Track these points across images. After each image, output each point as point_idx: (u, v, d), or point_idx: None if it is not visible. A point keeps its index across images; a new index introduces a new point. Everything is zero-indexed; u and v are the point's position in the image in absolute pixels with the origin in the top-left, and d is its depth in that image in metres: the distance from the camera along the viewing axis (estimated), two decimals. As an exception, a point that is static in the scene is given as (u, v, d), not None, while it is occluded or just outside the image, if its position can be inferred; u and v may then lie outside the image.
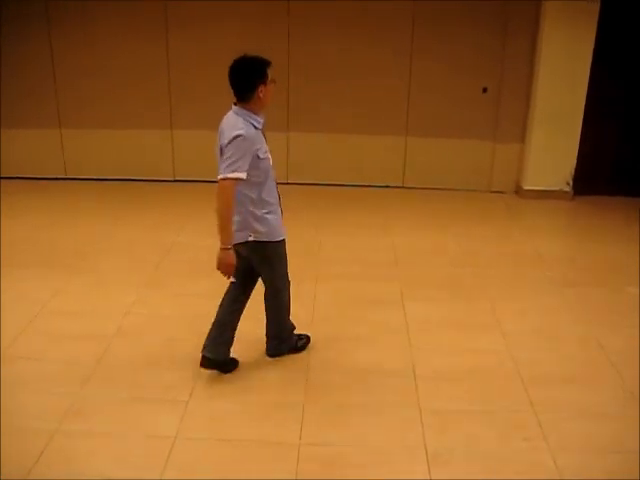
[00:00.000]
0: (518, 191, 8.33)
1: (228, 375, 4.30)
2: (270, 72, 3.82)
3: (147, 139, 8.51)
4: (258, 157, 3.83)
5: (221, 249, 3.86)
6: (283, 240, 4.14)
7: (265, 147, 3.92)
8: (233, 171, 3.73)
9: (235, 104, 3.86)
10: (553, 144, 7.91)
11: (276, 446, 3.65)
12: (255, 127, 3.82)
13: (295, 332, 4.59)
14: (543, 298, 5.46)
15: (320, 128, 8.33)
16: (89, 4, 7.96)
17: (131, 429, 3.78)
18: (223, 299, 4.35)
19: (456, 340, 4.80)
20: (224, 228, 3.83)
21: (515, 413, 3.95)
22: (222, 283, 5.57)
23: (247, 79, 3.78)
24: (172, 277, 5.81)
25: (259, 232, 4.00)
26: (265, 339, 4.53)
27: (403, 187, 8.48)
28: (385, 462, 3.53)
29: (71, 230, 6.87)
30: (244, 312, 4.35)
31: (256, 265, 4.20)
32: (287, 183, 8.45)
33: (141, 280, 5.68)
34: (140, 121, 8.42)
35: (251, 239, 3.99)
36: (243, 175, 3.75)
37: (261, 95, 3.80)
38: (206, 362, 4.24)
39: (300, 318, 5.03)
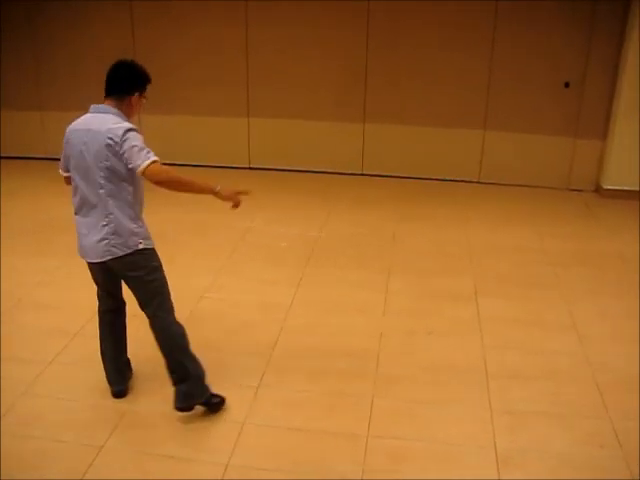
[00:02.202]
0: (598, 190, 8.11)
1: (299, 363, 4.32)
2: (148, 90, 3.64)
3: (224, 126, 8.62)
4: None
5: (216, 193, 3.67)
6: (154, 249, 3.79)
7: None
8: (150, 154, 3.45)
9: (104, 103, 3.58)
10: (637, 142, 7.65)
11: (344, 437, 3.64)
12: None
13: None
14: (623, 301, 5.27)
15: (397, 120, 8.26)
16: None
17: (200, 411, 3.81)
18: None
19: (530, 339, 4.69)
20: (199, 187, 3.65)
21: (590, 419, 3.83)
22: (298, 270, 5.65)
23: (134, 79, 3.58)
24: (247, 263, 5.86)
25: (141, 236, 3.67)
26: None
27: (479, 182, 8.35)
28: (454, 460, 3.49)
29: (147, 214, 6.97)
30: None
31: (131, 279, 3.75)
32: (362, 174, 8.47)
33: (216, 265, 5.74)
34: (226, 109, 8.53)
35: (142, 246, 3.65)
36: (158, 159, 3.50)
37: (133, 102, 3.58)
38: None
39: (372, 309, 5.03)
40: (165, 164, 3.83)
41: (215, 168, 8.53)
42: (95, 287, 3.94)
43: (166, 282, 3.80)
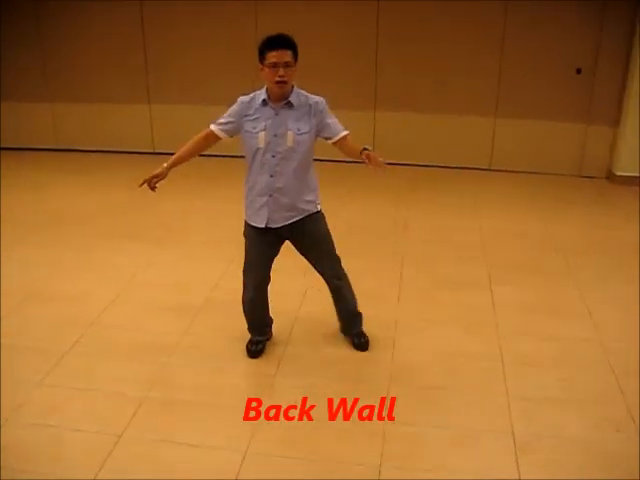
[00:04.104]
0: (609, 177, 8.09)
1: (314, 351, 4.33)
2: (270, 56, 3.65)
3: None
4: (245, 130, 3.87)
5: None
6: (248, 225, 4.09)
7: (260, 125, 3.79)
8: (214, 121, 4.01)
9: None
10: (650, 128, 7.62)
11: (361, 424, 3.63)
12: (262, 99, 3.81)
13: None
14: (636, 287, 5.25)
15: (407, 107, 8.25)
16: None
17: (215, 400, 3.83)
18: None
19: (544, 326, 4.69)
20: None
21: (606, 404, 3.83)
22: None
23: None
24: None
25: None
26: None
27: (490, 169, 8.33)
28: (471, 446, 3.48)
29: (155, 204, 6.89)
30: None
31: None
32: (373, 162, 8.44)
33: (228, 254, 5.73)
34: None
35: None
36: (215, 127, 4.00)
37: (261, 73, 3.75)
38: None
39: (386, 298, 5.03)
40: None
41: (230, 158, 8.50)
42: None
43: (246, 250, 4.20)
